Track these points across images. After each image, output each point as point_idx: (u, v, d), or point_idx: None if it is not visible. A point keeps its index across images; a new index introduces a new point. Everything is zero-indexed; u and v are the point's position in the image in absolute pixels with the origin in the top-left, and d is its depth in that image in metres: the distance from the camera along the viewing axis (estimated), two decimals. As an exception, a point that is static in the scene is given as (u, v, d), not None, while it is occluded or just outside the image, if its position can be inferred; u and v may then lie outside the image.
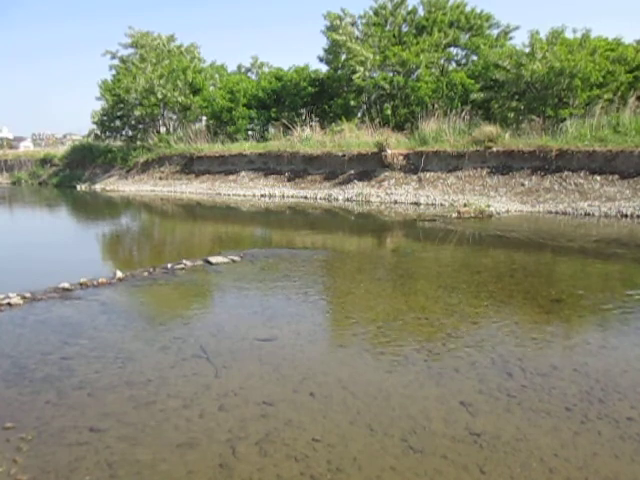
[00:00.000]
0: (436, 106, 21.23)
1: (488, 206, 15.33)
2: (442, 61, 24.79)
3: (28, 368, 4.67)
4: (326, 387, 4.27)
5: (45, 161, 34.46)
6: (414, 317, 6.09)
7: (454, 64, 25.66)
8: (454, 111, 20.51)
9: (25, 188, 32.20)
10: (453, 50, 25.59)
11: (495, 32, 25.60)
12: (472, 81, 22.25)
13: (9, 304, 6.44)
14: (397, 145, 20.26)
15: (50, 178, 32.59)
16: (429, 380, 4.41)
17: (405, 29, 25.78)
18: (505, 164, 17.89)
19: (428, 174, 18.95)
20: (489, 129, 18.64)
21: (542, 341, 5.32)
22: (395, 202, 17.99)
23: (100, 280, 7.53)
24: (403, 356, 4.90)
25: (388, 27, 25.65)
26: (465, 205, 15.55)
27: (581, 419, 3.78)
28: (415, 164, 19.36)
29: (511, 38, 25.47)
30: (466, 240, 11.88)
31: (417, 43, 24.08)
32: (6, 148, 49.20)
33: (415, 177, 19.15)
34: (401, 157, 19.70)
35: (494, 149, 18.10)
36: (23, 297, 6.66)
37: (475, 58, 24.63)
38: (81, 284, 7.33)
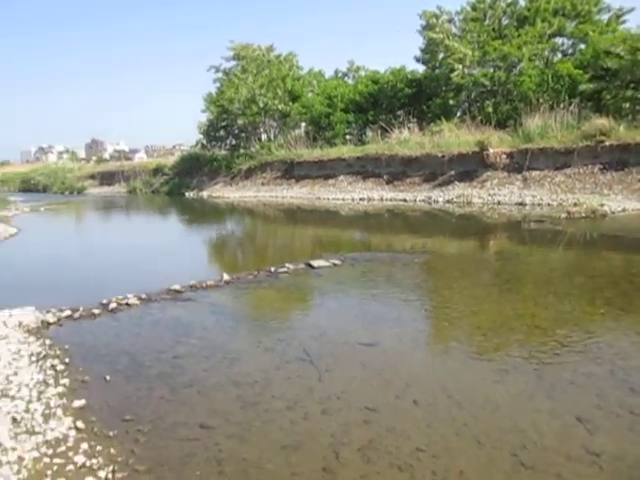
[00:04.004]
0: (541, 100, 20.12)
1: (601, 205, 14.30)
2: (546, 52, 23.45)
3: (144, 365, 4.98)
4: (430, 395, 4.17)
5: (157, 171, 36.84)
6: (522, 324, 5.79)
7: (560, 55, 24.17)
8: (561, 105, 19.32)
9: (140, 196, 34.61)
10: (558, 40, 24.09)
11: (605, 17, 23.76)
12: (580, 71, 20.83)
13: (127, 304, 6.93)
14: (499, 143, 19.47)
15: (162, 186, 34.79)
16: (540, 392, 4.16)
17: (505, 22, 24.71)
18: (620, 159, 16.57)
19: (534, 173, 18.03)
20: (601, 122, 17.37)
21: (670, 353, 4.85)
22: (498, 203, 17.29)
23: (208, 282, 7.90)
24: (512, 365, 4.67)
25: (487, 21, 24.73)
26: (575, 204, 14.61)
27: None
28: (519, 162, 18.49)
29: (624, 22, 23.45)
30: (577, 242, 11.15)
31: (519, 35, 22.98)
32: (123, 159, 53.20)
33: (519, 176, 18.28)
34: (504, 156, 18.90)
35: (607, 143, 16.84)
36: (139, 298, 7.14)
37: (583, 47, 23.02)
38: (191, 286, 7.72)
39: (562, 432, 3.57)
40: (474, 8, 24.75)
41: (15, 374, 4.61)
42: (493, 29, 24.33)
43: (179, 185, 32.72)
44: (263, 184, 27.16)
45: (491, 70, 23.27)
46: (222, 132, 32.68)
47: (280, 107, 28.87)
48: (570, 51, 24.08)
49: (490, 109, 22.82)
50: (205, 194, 29.34)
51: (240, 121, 29.79)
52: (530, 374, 4.48)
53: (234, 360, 5.02)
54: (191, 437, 3.68)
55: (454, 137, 21.34)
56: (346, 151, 24.57)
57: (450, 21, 24.94)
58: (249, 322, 6.60)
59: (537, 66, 22.41)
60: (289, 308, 7.12)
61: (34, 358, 5.06)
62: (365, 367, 4.75)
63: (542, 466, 3.20)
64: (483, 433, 3.58)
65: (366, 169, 23.28)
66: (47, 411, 3.99)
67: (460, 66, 23.08)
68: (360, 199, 21.51)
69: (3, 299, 7.27)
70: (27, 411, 3.96)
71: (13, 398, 4.15)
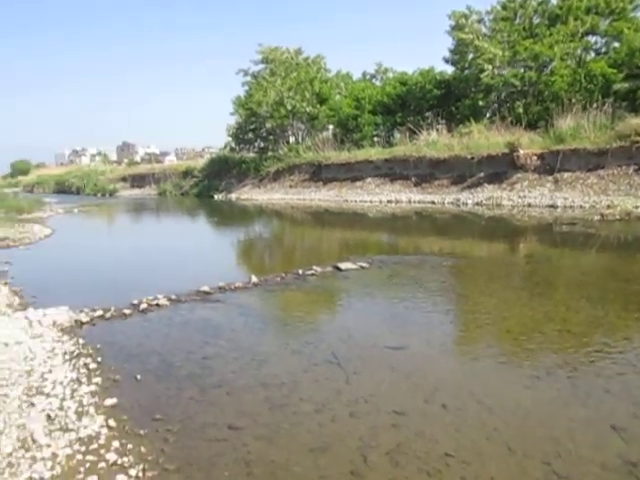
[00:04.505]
0: (573, 100, 19.72)
1: (636, 207, 13.95)
2: (579, 51, 22.97)
3: (174, 365, 5.04)
4: (459, 399, 4.11)
5: (186, 173, 37.29)
6: (554, 329, 5.67)
7: (593, 53, 23.64)
8: (594, 105, 18.90)
9: (170, 198, 35.08)
10: (591, 38, 23.56)
11: (641, 13, 23.17)
12: (614, 70, 20.34)
13: (157, 305, 7.03)
14: (530, 145, 19.16)
15: (191, 189, 35.21)
16: (574, 399, 4.06)
17: (536, 20, 24.29)
18: (657, 160, 16.13)
19: (565, 174, 17.68)
20: (636, 122, 16.95)
21: None
22: (529, 205, 17.01)
23: (237, 284, 7.96)
24: (543, 371, 4.57)
25: (518, 20, 24.37)
26: (609, 207, 14.29)
27: None
28: (550, 164, 18.16)
29: (660, 19, 22.86)
30: (611, 245, 10.89)
31: (550, 34, 22.57)
32: (154, 162, 54.03)
33: (551, 178, 17.96)
34: (535, 157, 18.59)
35: (643, 144, 16.41)
36: (169, 299, 7.24)
37: (617, 45, 22.47)
38: (220, 288, 7.79)
39: (597, 441, 3.48)
40: (504, 7, 24.43)
41: (50, 372, 4.72)
42: (524, 28, 23.96)
43: (208, 187, 33.07)
44: (291, 186, 27.28)
45: (522, 70, 22.94)
46: (250, 135, 32.95)
47: (308, 109, 28.96)
48: (604, 50, 23.56)
49: (520, 110, 22.49)
50: (234, 196, 29.59)
51: (268, 124, 30.02)
52: (563, 380, 4.38)
53: (262, 362, 5.04)
54: (220, 438, 3.71)
55: (483, 138, 21.10)
56: (374, 153, 24.51)
57: (480, 21, 24.69)
58: (277, 324, 6.63)
59: (569, 65, 21.99)
60: (317, 311, 7.12)
61: (68, 357, 5.18)
62: (393, 370, 4.72)
63: (576, 475, 3.12)
64: (514, 439, 3.51)
65: (394, 171, 23.17)
66: (80, 409, 4.07)
67: (490, 66, 22.80)
68: (388, 201, 21.42)
69: (38, 299, 7.47)
70: (61, 408, 4.05)
71: (48, 395, 4.25)
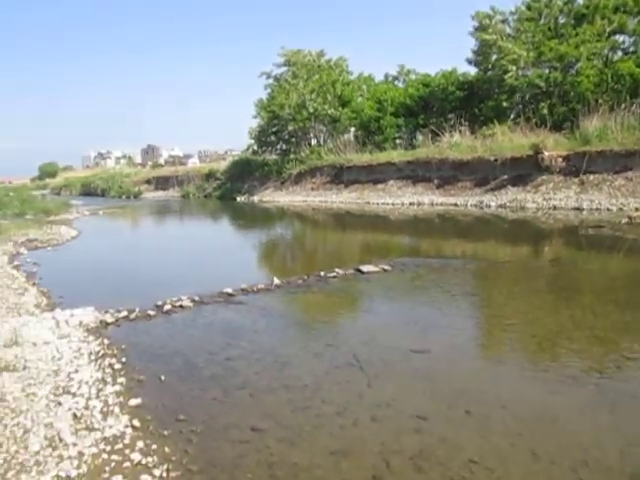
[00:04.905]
0: (600, 101, 19.35)
1: (666, 210, 13.63)
2: (606, 51, 22.54)
3: (197, 366, 5.09)
4: (483, 405, 4.06)
5: (209, 175, 37.60)
6: (581, 335, 5.57)
7: (620, 53, 23.18)
8: (622, 105, 18.52)
9: (193, 201, 35.40)
10: (619, 38, 23.11)
11: (673, 10, 22.61)
12: (643, 70, 19.94)
13: (181, 306, 7.11)
14: (555, 146, 18.85)
15: (214, 191, 35.47)
16: (601, 406, 3.98)
17: (562, 20, 23.89)
18: (687, 162, 15.75)
19: (591, 176, 17.36)
20: (666, 123, 16.58)
21: None
22: (554, 208, 16.73)
23: (259, 286, 7.99)
24: (570, 377, 4.49)
25: (542, 20, 24.00)
26: (637, 209, 13.98)
27: None
28: (576, 166, 17.84)
29: (692, 17, 22.32)
30: (639, 249, 10.66)
31: (576, 34, 22.20)
32: (177, 165, 54.61)
33: (576, 180, 17.64)
34: (560, 159, 18.29)
35: (673, 145, 16.04)
36: (193, 300, 7.31)
37: (646, 44, 22.03)
38: (242, 290, 7.83)
39: (625, 449, 3.40)
40: (529, 7, 24.10)
41: (76, 372, 4.80)
42: (549, 28, 23.62)
43: (231, 190, 33.27)
44: (312, 189, 27.29)
45: (547, 71, 22.61)
46: (273, 137, 33.04)
47: (330, 112, 28.97)
48: (632, 49, 23.07)
49: (545, 111, 22.16)
50: (256, 199, 29.73)
51: (290, 126, 30.10)
52: (589, 387, 4.30)
53: (284, 364, 5.06)
54: (243, 439, 3.73)
55: (507, 140, 20.84)
56: (396, 155, 24.39)
57: (504, 21, 24.40)
58: (299, 326, 6.64)
59: (596, 65, 21.61)
60: (338, 313, 7.11)
61: (93, 357, 5.26)
62: (416, 374, 4.68)
63: (604, 484, 3.06)
64: (540, 446, 3.46)
65: (416, 173, 23.03)
66: (105, 409, 4.13)
67: (514, 67, 22.53)
68: (410, 204, 21.31)
69: (65, 299, 7.61)
70: (87, 408, 4.11)
71: (74, 395, 4.32)
